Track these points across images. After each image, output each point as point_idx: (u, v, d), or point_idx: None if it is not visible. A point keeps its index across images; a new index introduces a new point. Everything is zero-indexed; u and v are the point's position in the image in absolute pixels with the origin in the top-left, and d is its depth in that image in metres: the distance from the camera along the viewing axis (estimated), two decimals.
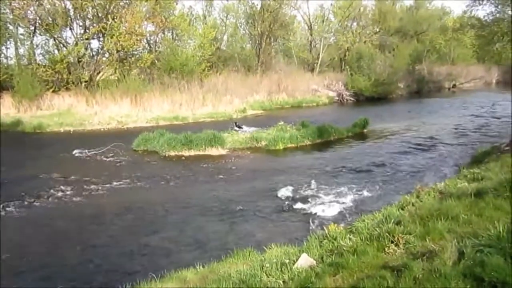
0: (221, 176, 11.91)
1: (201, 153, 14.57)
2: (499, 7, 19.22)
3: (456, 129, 19.32)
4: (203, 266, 5.66)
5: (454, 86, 45.26)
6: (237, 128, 19.32)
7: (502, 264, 3.62)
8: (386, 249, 4.72)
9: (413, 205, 6.89)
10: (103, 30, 25.62)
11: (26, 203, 9.66)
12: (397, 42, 41.04)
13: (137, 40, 26.72)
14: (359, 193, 9.96)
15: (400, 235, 4.88)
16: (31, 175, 12.04)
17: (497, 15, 19.60)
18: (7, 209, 9.26)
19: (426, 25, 46.49)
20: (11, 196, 10.01)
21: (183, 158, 14.19)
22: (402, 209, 6.78)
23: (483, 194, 5.93)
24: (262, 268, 4.96)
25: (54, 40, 26.44)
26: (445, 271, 3.74)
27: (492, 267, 3.57)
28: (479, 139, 16.37)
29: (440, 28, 48.02)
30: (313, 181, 10.88)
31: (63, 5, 25.48)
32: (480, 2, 19.40)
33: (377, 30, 43.02)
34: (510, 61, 30.93)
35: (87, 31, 26.28)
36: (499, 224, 4.40)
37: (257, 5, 36.14)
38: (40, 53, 27.04)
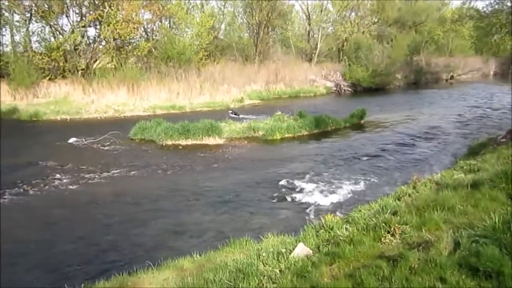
0: (218, 165, 11.91)
1: (198, 142, 14.55)
2: None
3: (453, 120, 19.36)
4: (200, 255, 5.68)
5: (451, 77, 45.32)
6: (233, 116, 19.32)
7: (497, 254, 3.65)
8: (382, 239, 4.76)
9: (409, 195, 6.93)
10: (99, 18, 25.37)
11: (22, 190, 9.65)
12: (395, 33, 40.93)
13: (134, 28, 26.47)
14: (355, 183, 9.99)
15: (396, 225, 4.92)
16: (27, 163, 12.01)
17: (496, 6, 19.57)
18: (3, 196, 9.25)
19: (425, 16, 46.31)
20: (7, 184, 9.98)
21: (180, 147, 14.17)
22: (399, 199, 6.82)
23: (479, 185, 5.96)
24: (259, 257, 4.99)
25: (50, 27, 26.15)
26: (441, 261, 3.77)
27: (487, 257, 3.60)
28: (476, 130, 16.44)
29: (438, 19, 47.84)
30: (310, 171, 10.93)
31: None
32: None
33: (376, 20, 42.79)
34: (507, 52, 30.93)
35: (84, 18, 25.98)
36: (495, 215, 4.43)
37: None
38: (36, 41, 26.73)
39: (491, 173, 6.40)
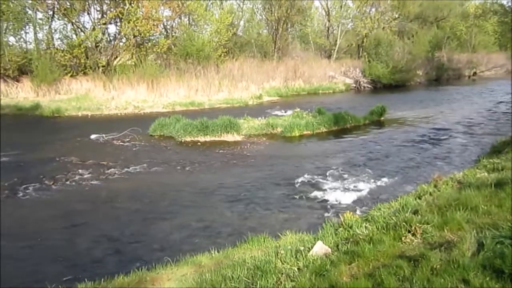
0: (236, 162, 11.92)
1: (216, 139, 14.59)
2: None
3: (475, 117, 18.95)
4: (218, 251, 5.69)
5: (474, 74, 44.38)
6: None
7: None
8: (402, 238, 4.67)
9: (430, 194, 6.80)
10: (120, 15, 25.68)
11: (44, 185, 9.83)
12: (416, 29, 40.31)
13: (153, 25, 26.69)
14: (375, 181, 9.86)
15: (417, 224, 4.82)
16: (49, 158, 12.24)
17: None
18: (26, 191, 9.45)
19: (447, 11, 45.41)
20: (30, 178, 10.21)
21: (199, 143, 14.24)
22: (419, 198, 6.70)
23: (503, 184, 5.82)
24: (277, 255, 4.96)
25: (72, 24, 26.59)
26: (464, 262, 3.68)
27: None
28: (498, 128, 16.04)
29: (461, 14, 46.93)
30: (328, 168, 10.84)
31: None
32: None
33: (396, 16, 42.15)
34: None
35: (104, 16, 26.36)
36: None
37: None
38: (58, 38, 27.32)
39: None
